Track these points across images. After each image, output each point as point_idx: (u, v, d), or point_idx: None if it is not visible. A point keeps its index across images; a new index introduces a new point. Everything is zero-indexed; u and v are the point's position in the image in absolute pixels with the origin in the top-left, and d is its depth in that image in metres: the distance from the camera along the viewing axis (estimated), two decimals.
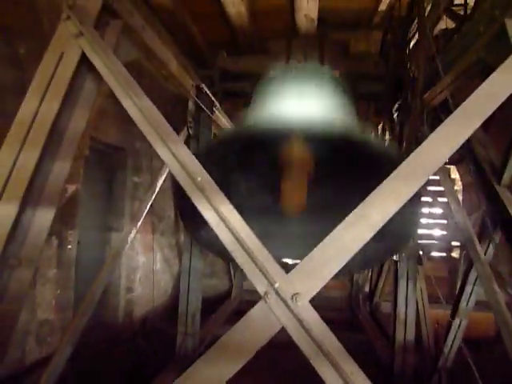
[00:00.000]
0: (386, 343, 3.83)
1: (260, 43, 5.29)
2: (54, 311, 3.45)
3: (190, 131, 3.39)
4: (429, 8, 3.62)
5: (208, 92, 3.45)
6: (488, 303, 2.20)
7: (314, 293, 1.13)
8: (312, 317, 1.09)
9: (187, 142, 3.59)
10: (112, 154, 4.70)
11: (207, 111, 3.46)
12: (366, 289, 5.82)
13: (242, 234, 1.20)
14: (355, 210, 1.23)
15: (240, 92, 3.66)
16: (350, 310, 5.66)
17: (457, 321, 2.95)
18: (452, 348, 3.05)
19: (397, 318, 3.07)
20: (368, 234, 1.21)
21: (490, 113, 1.35)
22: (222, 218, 1.23)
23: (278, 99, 2.65)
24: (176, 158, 1.33)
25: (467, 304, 2.87)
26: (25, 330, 3.11)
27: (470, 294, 2.84)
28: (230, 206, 1.26)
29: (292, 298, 1.11)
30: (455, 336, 3.01)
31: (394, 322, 3.10)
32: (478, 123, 1.33)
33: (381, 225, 1.22)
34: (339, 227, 1.21)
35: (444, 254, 6.90)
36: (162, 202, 5.32)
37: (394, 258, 3.14)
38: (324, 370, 1.13)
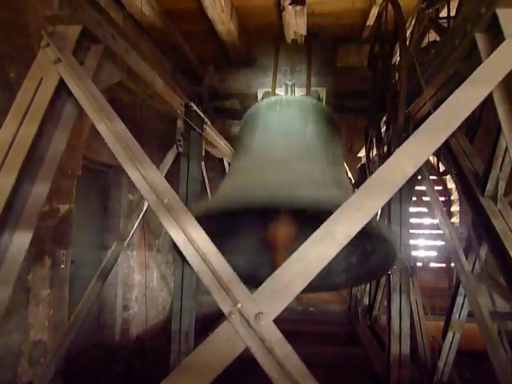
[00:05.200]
0: (383, 357, 3.78)
1: (251, 58, 5.37)
2: (48, 332, 3.45)
3: (180, 149, 3.41)
4: (413, 21, 3.69)
5: (197, 110, 3.49)
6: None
7: (278, 312, 1.13)
8: (275, 337, 1.09)
9: (178, 160, 3.62)
10: (106, 173, 4.74)
11: (197, 129, 3.49)
12: (366, 302, 5.78)
13: (209, 254, 1.21)
14: (321, 228, 1.23)
15: (230, 109, 3.70)
16: (350, 323, 5.61)
17: (450, 333, 2.91)
18: (447, 362, 3.00)
19: (391, 331, 3.03)
20: (334, 251, 1.21)
21: (455, 127, 1.36)
22: (189, 238, 1.24)
23: (260, 155, 2.35)
24: (145, 179, 1.35)
25: (459, 316, 2.84)
26: (17, 351, 3.11)
27: (462, 305, 2.81)
28: (198, 227, 1.27)
29: (255, 318, 1.11)
30: (449, 349, 2.97)
31: (389, 336, 3.06)
32: (443, 138, 1.34)
33: (347, 241, 1.23)
34: (304, 245, 1.21)
35: (444, 265, 6.84)
36: (158, 218, 5.33)
37: None
38: None
